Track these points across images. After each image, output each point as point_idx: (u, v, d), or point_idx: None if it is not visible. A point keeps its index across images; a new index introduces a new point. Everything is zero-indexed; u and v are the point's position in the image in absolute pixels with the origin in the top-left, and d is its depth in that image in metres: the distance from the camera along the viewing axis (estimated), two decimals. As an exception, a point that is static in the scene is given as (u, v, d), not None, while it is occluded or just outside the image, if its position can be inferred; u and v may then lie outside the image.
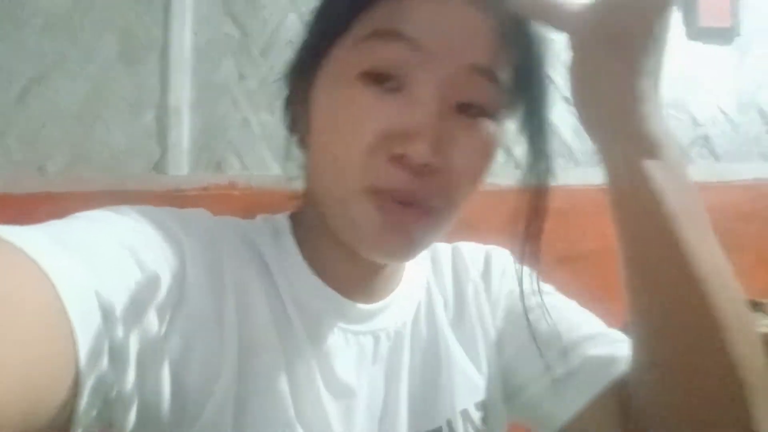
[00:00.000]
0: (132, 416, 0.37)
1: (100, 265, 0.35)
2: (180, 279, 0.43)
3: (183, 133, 1.78)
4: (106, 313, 0.34)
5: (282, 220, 0.57)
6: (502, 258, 0.66)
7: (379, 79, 0.45)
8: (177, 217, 0.47)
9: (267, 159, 1.77)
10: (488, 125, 0.48)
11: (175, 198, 1.70)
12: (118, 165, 1.79)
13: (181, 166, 1.77)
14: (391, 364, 0.54)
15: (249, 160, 1.77)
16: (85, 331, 0.31)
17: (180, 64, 1.81)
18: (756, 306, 1.41)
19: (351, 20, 0.47)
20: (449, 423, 0.55)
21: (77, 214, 0.41)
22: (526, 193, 0.51)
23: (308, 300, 0.52)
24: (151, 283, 0.39)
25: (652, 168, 0.42)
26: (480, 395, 0.58)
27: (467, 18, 0.45)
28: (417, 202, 0.46)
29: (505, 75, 0.48)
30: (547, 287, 0.63)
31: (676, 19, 1.76)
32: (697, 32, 1.75)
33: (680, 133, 1.73)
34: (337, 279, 0.54)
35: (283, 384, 0.47)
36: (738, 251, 1.64)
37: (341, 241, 0.50)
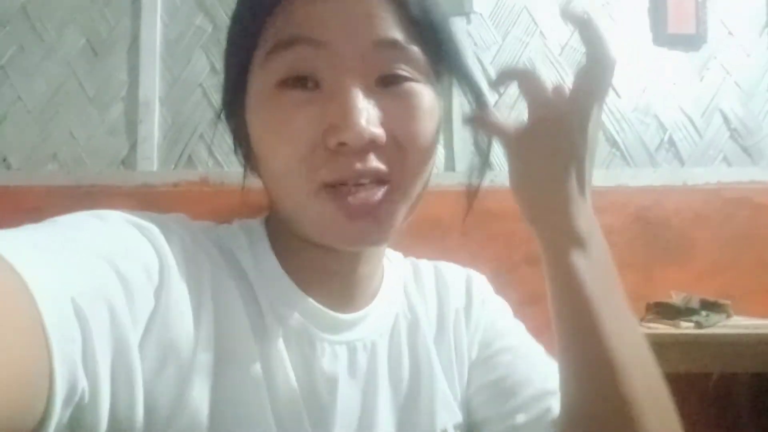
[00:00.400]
0: (104, 423, 0.36)
1: (76, 273, 0.35)
2: (157, 288, 0.42)
3: (153, 127, 1.75)
4: (81, 321, 0.33)
5: (257, 226, 0.57)
6: (482, 287, 0.67)
7: (296, 82, 0.47)
8: (158, 223, 0.46)
9: (239, 154, 1.75)
10: (416, 88, 0.50)
11: (145, 194, 1.67)
12: (85, 160, 1.75)
13: (151, 162, 1.74)
14: (368, 376, 0.54)
15: (221, 155, 1.75)
16: (60, 338, 0.30)
17: (150, 57, 1.77)
18: (719, 307, 1.45)
19: (257, 37, 0.49)
20: None
21: (55, 219, 0.40)
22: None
23: (285, 309, 0.52)
24: (127, 291, 0.39)
25: (577, 259, 0.50)
26: (458, 417, 0.58)
27: (356, 3, 0.47)
28: (372, 178, 0.47)
29: (415, 42, 0.49)
30: (519, 326, 0.65)
31: (643, 25, 1.81)
32: (664, 38, 1.79)
33: (647, 137, 1.77)
34: (313, 286, 0.54)
35: (263, 395, 0.47)
36: (700, 252, 1.69)
37: (311, 241, 0.51)
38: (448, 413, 0.57)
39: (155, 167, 1.74)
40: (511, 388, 0.57)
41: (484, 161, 0.59)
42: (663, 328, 1.42)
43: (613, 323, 0.48)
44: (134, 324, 0.39)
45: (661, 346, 1.51)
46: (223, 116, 0.57)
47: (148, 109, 1.75)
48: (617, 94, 1.77)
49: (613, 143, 1.76)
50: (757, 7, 1.81)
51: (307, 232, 0.51)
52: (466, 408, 0.60)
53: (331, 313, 0.53)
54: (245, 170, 0.59)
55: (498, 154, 1.65)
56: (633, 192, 1.69)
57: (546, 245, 0.52)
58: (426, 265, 0.67)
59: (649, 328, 1.42)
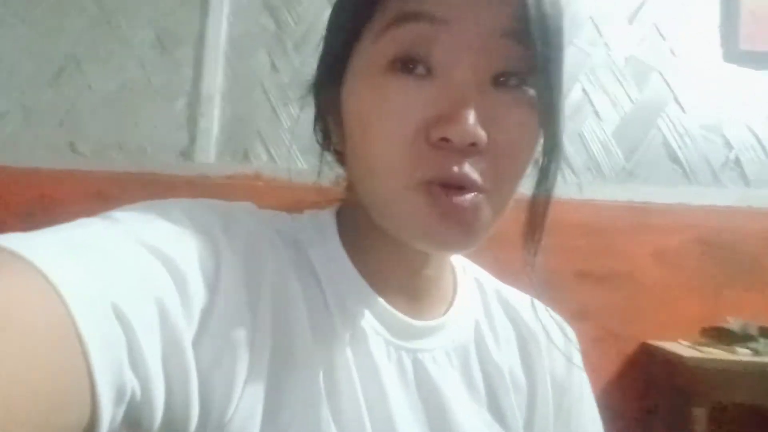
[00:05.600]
0: (158, 418, 0.35)
1: (118, 273, 0.34)
2: (213, 282, 0.41)
3: (213, 121, 1.80)
4: (124, 324, 0.32)
5: (329, 218, 0.54)
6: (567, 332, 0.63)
7: (407, 66, 0.44)
8: (219, 214, 0.45)
9: (293, 151, 1.78)
10: (528, 95, 0.45)
11: (201, 185, 1.72)
12: (148, 149, 1.82)
13: (209, 154, 1.79)
14: (437, 390, 0.50)
15: (276, 151, 1.79)
16: (99, 344, 0.29)
17: (214, 54, 1.83)
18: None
19: (371, 13, 0.45)
20: None
21: (105, 214, 0.39)
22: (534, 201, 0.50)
23: (356, 310, 0.49)
24: (179, 285, 0.37)
25: None
26: None
27: None
28: (467, 185, 0.44)
29: (536, 38, 0.43)
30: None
31: (713, 40, 1.74)
32: (735, 55, 1.73)
33: (711, 154, 1.70)
34: (383, 287, 0.51)
35: (321, 399, 0.44)
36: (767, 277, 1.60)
37: (392, 239, 0.48)
38: None
39: (212, 159, 1.78)
40: None
41: (546, 176, 0.50)
42: (717, 353, 1.37)
43: None
44: (187, 319, 0.38)
45: (716, 372, 1.44)
46: (312, 92, 0.53)
47: (210, 104, 1.80)
48: (682, 109, 1.71)
49: (675, 159, 1.70)
50: (840, 24, 1.72)
51: (394, 226, 0.47)
52: None
53: (404, 318, 0.51)
54: (321, 157, 0.56)
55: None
56: (695, 211, 1.63)
57: None
58: (491, 288, 0.62)
59: (703, 352, 1.37)
